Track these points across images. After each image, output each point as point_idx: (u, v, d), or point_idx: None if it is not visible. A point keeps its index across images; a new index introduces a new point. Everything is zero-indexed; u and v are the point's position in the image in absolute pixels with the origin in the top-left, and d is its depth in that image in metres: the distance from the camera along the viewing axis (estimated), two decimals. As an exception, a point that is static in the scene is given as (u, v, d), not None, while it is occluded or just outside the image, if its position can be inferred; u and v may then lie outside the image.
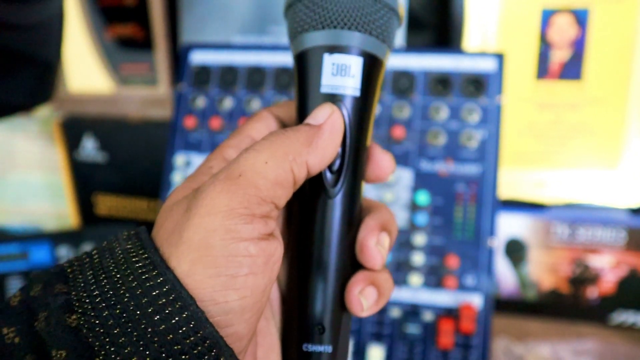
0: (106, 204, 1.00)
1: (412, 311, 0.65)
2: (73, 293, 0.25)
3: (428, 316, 0.65)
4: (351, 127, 0.31)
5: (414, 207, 0.66)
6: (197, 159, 0.74)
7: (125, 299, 0.24)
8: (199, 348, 0.24)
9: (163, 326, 0.24)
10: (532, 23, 0.81)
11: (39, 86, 0.72)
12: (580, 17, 0.79)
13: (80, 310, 0.24)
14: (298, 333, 0.32)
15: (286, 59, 0.73)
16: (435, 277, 0.65)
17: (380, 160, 0.33)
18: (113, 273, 0.26)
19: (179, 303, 0.24)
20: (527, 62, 0.82)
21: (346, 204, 0.32)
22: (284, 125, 0.35)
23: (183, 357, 0.24)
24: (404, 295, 0.65)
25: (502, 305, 0.85)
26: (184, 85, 0.76)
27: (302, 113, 0.32)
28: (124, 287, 0.25)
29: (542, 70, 0.81)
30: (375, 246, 0.32)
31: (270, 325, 0.33)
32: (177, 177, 0.73)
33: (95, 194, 1.00)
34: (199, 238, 0.25)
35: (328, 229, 0.31)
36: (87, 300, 0.25)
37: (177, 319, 0.24)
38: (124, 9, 0.93)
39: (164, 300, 0.24)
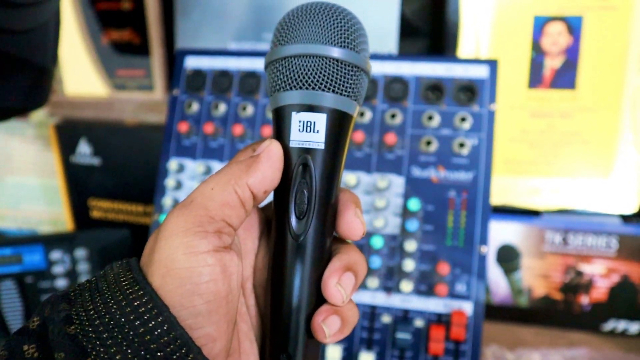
0: (101, 208, 1.00)
1: (403, 317, 0.65)
2: (73, 310, 0.30)
3: (419, 322, 0.65)
4: (318, 176, 0.34)
5: (405, 214, 0.67)
6: (191, 164, 0.74)
7: (113, 310, 0.29)
8: (171, 346, 0.29)
9: (142, 329, 0.29)
10: (525, 31, 0.81)
11: (35, 90, 0.72)
12: (573, 26, 0.80)
13: (77, 322, 0.30)
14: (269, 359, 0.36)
15: (280, 65, 0.74)
16: (426, 284, 0.65)
17: (351, 222, 0.36)
18: (105, 292, 0.31)
19: (155, 310, 0.29)
20: (520, 70, 0.82)
21: (312, 246, 0.35)
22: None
23: (159, 354, 0.29)
24: (394, 301, 0.66)
25: (494, 312, 0.86)
26: (178, 91, 0.76)
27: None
28: (112, 301, 0.30)
29: (535, 79, 0.82)
30: (335, 286, 0.34)
31: (254, 347, 0.37)
32: (170, 182, 0.73)
33: (90, 198, 1.01)
34: (165, 256, 0.31)
35: (293, 268, 0.35)
36: (84, 314, 0.30)
37: (153, 323, 0.29)
38: (120, 14, 0.94)
39: (143, 308, 0.29)
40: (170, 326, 0.29)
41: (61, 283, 0.85)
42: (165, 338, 0.29)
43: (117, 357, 0.28)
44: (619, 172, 0.81)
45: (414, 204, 0.66)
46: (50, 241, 0.85)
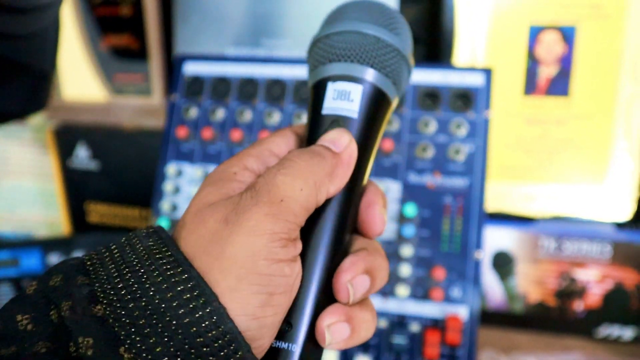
0: (98, 212, 1.01)
1: (399, 322, 0.66)
2: (97, 285, 0.26)
3: (415, 327, 0.65)
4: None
5: (401, 219, 0.67)
6: (189, 169, 0.74)
7: (151, 293, 0.26)
8: (220, 342, 0.25)
9: (187, 319, 0.25)
10: (520, 40, 0.82)
11: (34, 94, 0.72)
12: (567, 35, 0.81)
13: (105, 301, 0.26)
14: None
15: (278, 71, 0.75)
16: (422, 289, 0.66)
17: (375, 217, 0.35)
18: (137, 268, 0.27)
19: (203, 299, 0.26)
20: (515, 78, 0.83)
21: (333, 217, 0.33)
22: (302, 143, 0.37)
23: (204, 349, 0.25)
24: (391, 306, 0.66)
25: (490, 318, 0.86)
26: (176, 96, 0.77)
27: (308, 133, 0.35)
28: (149, 282, 0.26)
29: (530, 86, 0.83)
30: (345, 283, 0.32)
31: None
32: (168, 187, 0.74)
33: (87, 202, 1.01)
34: (245, 256, 0.27)
35: (311, 240, 0.32)
36: (112, 292, 0.26)
37: (200, 313, 0.25)
38: (119, 19, 0.94)
39: (188, 295, 0.26)
40: (220, 319, 0.25)
41: (58, 287, 0.85)
42: (214, 332, 0.25)
43: (157, 349, 0.24)
44: (613, 179, 0.82)
45: (410, 210, 0.67)
46: (47, 245, 0.86)
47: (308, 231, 0.32)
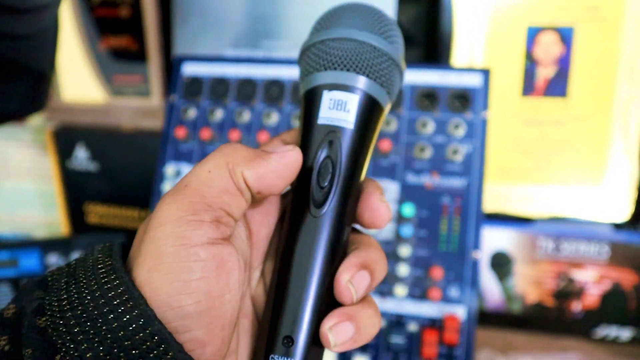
0: (97, 213, 1.01)
1: (397, 322, 0.66)
2: (47, 298, 0.27)
3: (412, 327, 0.65)
4: (345, 156, 0.34)
5: (399, 219, 0.68)
6: (187, 169, 0.74)
7: (86, 301, 0.26)
8: (148, 343, 0.25)
9: (115, 324, 0.26)
10: (518, 41, 0.82)
11: (33, 95, 0.73)
12: (565, 36, 0.81)
13: (49, 313, 0.26)
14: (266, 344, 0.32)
15: (277, 72, 0.75)
16: (419, 289, 0.66)
17: (377, 207, 0.34)
18: (81, 279, 0.28)
19: (131, 303, 0.26)
20: (513, 79, 0.83)
21: (330, 227, 0.33)
22: None
23: (134, 351, 0.25)
24: (389, 306, 0.66)
25: (487, 318, 0.86)
26: (175, 97, 0.77)
27: (302, 142, 0.35)
28: (87, 291, 0.27)
29: (528, 87, 0.83)
30: (346, 283, 0.31)
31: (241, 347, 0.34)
32: (167, 187, 0.74)
33: (86, 203, 1.01)
34: (153, 248, 0.27)
35: (308, 249, 0.32)
36: (56, 304, 0.27)
37: (128, 317, 0.26)
38: (118, 20, 0.94)
39: (118, 300, 0.26)
40: (147, 321, 0.26)
41: (57, 287, 0.85)
42: (141, 334, 0.25)
43: (88, 355, 0.25)
44: (611, 180, 0.82)
45: (408, 210, 0.67)
46: (46, 245, 0.86)
47: (301, 237, 0.33)
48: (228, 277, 0.29)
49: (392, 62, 0.35)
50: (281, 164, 0.31)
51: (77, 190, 1.01)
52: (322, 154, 0.34)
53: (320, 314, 0.32)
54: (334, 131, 0.34)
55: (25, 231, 1.10)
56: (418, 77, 0.71)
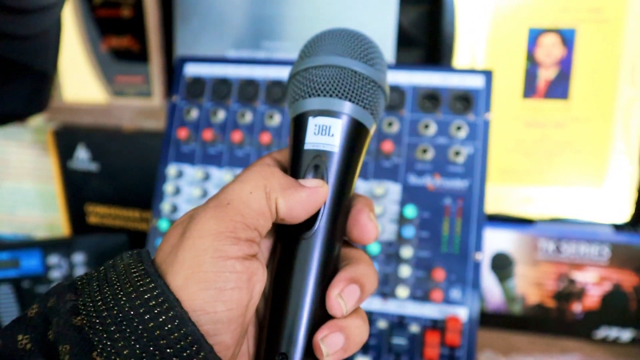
0: (98, 213, 1.01)
1: (399, 323, 0.66)
2: (80, 300, 0.29)
3: (414, 328, 0.65)
4: (331, 178, 0.35)
5: (401, 221, 0.68)
6: (189, 170, 0.75)
7: (122, 302, 0.28)
8: (182, 343, 0.27)
9: (152, 324, 0.28)
10: (520, 42, 0.83)
11: (35, 96, 0.73)
12: (567, 38, 0.81)
13: (84, 313, 0.28)
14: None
15: (279, 73, 0.75)
16: (421, 290, 0.66)
17: (364, 225, 0.36)
18: (114, 282, 0.30)
19: (166, 304, 0.28)
20: (514, 80, 0.83)
21: (320, 247, 0.35)
22: (283, 169, 0.38)
23: (168, 350, 0.27)
24: (390, 307, 0.66)
25: (488, 319, 0.86)
26: (177, 97, 0.77)
27: (291, 166, 0.37)
28: (121, 293, 0.29)
29: (529, 89, 0.83)
30: (335, 297, 0.34)
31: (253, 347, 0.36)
32: (169, 188, 0.74)
33: (87, 204, 1.01)
34: (191, 257, 0.30)
35: (299, 269, 0.34)
36: (91, 305, 0.29)
37: (163, 317, 0.28)
38: (119, 21, 0.94)
39: (153, 302, 0.28)
40: (182, 322, 0.28)
41: (58, 288, 0.85)
42: (176, 334, 0.27)
43: (125, 352, 0.27)
44: (612, 182, 0.82)
45: (410, 211, 0.67)
46: (47, 246, 0.86)
47: (293, 259, 0.34)
48: (254, 289, 0.32)
49: (375, 84, 0.36)
50: (311, 199, 0.34)
51: (78, 190, 1.01)
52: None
53: (313, 328, 0.34)
54: (319, 155, 0.35)
55: (26, 232, 1.10)
56: (420, 78, 0.71)
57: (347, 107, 0.35)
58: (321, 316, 0.34)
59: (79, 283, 0.31)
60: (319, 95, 0.36)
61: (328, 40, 0.37)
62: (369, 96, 0.36)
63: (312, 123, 0.35)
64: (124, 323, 0.28)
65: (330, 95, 0.35)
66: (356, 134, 0.36)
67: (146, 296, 0.28)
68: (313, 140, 0.35)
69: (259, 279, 0.32)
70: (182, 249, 0.30)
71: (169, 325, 0.28)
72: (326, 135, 0.35)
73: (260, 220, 0.32)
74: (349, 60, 0.36)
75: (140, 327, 0.28)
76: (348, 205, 0.37)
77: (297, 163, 0.36)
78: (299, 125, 0.36)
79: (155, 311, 0.28)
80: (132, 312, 0.28)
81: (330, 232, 0.35)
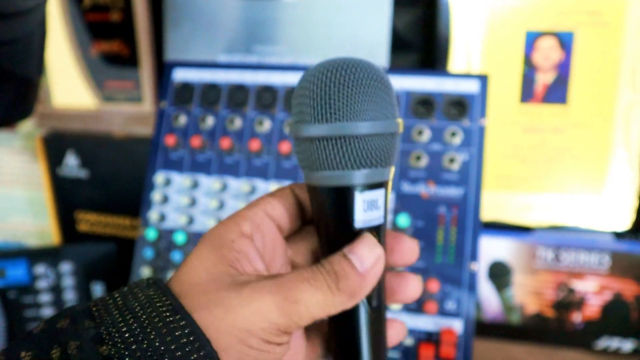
0: (88, 221, 0.99)
1: (392, 335, 0.64)
2: (102, 328, 0.29)
3: (408, 341, 0.64)
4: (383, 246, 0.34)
5: (395, 230, 0.66)
6: (178, 178, 0.73)
7: (152, 336, 0.29)
8: None
9: None
10: (517, 46, 0.81)
11: (19, 102, 0.71)
12: (565, 41, 0.79)
13: (110, 342, 0.28)
14: None
15: (269, 78, 0.73)
16: (415, 302, 0.64)
17: (408, 246, 0.36)
18: (140, 314, 0.30)
19: (198, 343, 0.29)
20: (511, 85, 0.82)
21: (379, 321, 0.34)
22: (300, 205, 0.37)
23: None
24: (383, 319, 0.65)
25: (486, 329, 0.84)
26: (166, 103, 0.75)
27: (333, 244, 0.33)
28: (150, 326, 0.29)
29: (527, 94, 0.81)
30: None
31: None
32: (157, 196, 0.72)
33: (77, 211, 0.99)
34: (241, 329, 0.30)
35: (374, 337, 0.34)
36: (117, 335, 0.29)
37: (195, 355, 0.28)
38: (109, 25, 0.93)
39: (184, 340, 0.29)
40: None
41: (45, 298, 0.84)
42: None
43: None
44: (612, 189, 0.81)
45: (404, 220, 0.65)
46: (34, 255, 0.84)
47: (362, 329, 0.34)
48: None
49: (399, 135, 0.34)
50: (376, 279, 0.33)
51: (67, 197, 0.99)
52: None
53: None
54: (373, 230, 0.33)
55: (16, 239, 1.08)
56: (414, 83, 0.69)
57: (390, 172, 0.33)
58: None
59: (95, 309, 0.31)
60: (364, 167, 0.31)
61: (356, 97, 0.31)
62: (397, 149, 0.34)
63: (360, 199, 0.32)
64: (155, 357, 0.28)
65: (377, 166, 0.32)
66: (387, 192, 0.34)
67: (177, 333, 0.29)
68: (363, 218, 0.32)
69: (289, 354, 0.33)
70: (235, 313, 0.30)
71: None
72: (375, 209, 0.32)
73: (313, 323, 0.32)
74: (390, 123, 0.32)
75: None
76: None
77: (341, 240, 0.33)
78: (340, 200, 0.32)
79: (187, 349, 0.28)
80: (162, 347, 0.28)
81: (379, 300, 0.34)
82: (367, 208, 0.32)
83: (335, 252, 0.32)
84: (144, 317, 0.30)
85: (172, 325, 0.29)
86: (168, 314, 0.30)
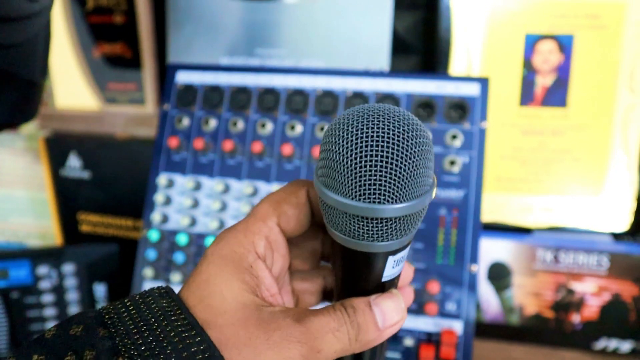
0: (90, 222, 0.99)
1: (393, 336, 0.64)
2: (117, 339, 0.30)
3: (408, 342, 0.64)
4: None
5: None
6: (180, 180, 0.73)
7: (168, 351, 0.29)
8: None
9: None
10: (517, 49, 0.81)
11: (23, 104, 0.71)
12: (564, 44, 0.80)
13: (127, 355, 0.29)
14: None
15: (271, 81, 0.74)
16: (416, 303, 0.65)
17: (407, 273, 0.39)
18: (154, 326, 0.31)
19: None
20: (511, 88, 0.82)
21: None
22: (311, 208, 0.37)
23: None
24: (384, 320, 0.65)
25: (486, 330, 0.85)
26: (168, 105, 0.76)
27: (354, 289, 0.35)
28: (166, 341, 0.30)
29: (527, 97, 0.82)
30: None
31: None
32: (159, 198, 0.73)
33: (79, 212, 1.00)
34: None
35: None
36: (133, 347, 0.29)
37: None
38: (112, 27, 0.93)
39: (200, 356, 0.29)
40: None
41: (48, 298, 0.84)
42: None
43: None
44: (610, 190, 0.81)
45: (405, 222, 0.66)
46: (36, 256, 0.84)
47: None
48: None
49: None
50: (390, 335, 0.36)
51: (69, 199, 0.99)
52: None
53: None
54: (391, 282, 0.35)
55: (19, 240, 1.08)
56: (414, 86, 0.70)
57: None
58: None
59: (107, 317, 0.31)
60: (397, 238, 0.31)
61: (396, 176, 0.28)
62: None
63: (392, 260, 0.33)
64: None
65: (407, 233, 0.31)
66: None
67: (193, 349, 0.29)
68: (390, 273, 0.34)
69: None
70: (259, 355, 0.31)
71: None
72: (400, 264, 0.34)
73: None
74: (427, 197, 0.30)
75: None
76: None
77: (367, 291, 0.35)
78: (371, 260, 0.32)
79: None
80: None
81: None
82: (394, 265, 0.33)
83: (359, 296, 0.34)
84: (159, 330, 0.30)
85: (188, 341, 0.30)
86: (183, 328, 0.30)
